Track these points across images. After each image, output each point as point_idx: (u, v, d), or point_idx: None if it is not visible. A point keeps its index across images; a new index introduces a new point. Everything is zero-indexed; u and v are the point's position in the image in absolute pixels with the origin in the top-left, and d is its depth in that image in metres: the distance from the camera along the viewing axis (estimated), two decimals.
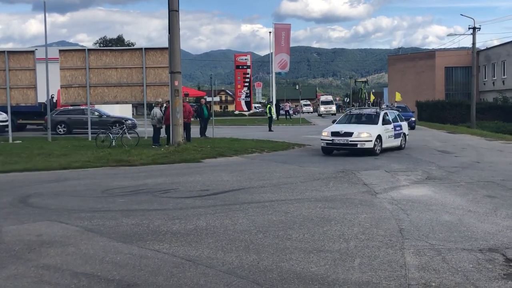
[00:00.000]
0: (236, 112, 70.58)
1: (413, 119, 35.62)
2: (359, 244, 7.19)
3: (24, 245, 7.33)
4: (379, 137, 18.88)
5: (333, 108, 68.06)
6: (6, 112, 26.43)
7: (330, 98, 76.41)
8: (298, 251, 6.86)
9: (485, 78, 59.97)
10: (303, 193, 11.15)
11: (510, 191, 11.19)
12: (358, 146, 18.41)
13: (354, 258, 6.55)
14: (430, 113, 49.53)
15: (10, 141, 24.58)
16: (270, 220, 8.67)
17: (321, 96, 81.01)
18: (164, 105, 23.24)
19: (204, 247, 7.13)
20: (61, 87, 26.18)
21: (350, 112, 22.09)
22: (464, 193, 10.95)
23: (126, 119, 30.86)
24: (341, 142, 18.70)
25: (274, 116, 42.91)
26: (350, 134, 18.62)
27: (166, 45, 21.91)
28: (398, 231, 7.83)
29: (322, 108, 67.64)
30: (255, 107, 75.87)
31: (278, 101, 58.47)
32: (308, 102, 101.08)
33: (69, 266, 6.39)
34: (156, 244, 7.30)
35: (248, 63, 70.30)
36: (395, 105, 31.94)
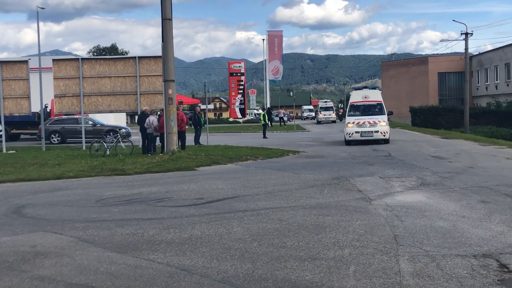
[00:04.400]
0: (231, 119, 70.59)
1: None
2: (354, 251, 7.19)
3: (19, 256, 7.30)
4: None
5: (333, 114, 64.73)
6: None
7: (330, 103, 71.01)
8: (293, 259, 6.86)
9: (478, 83, 60.23)
10: (298, 201, 11.15)
11: (504, 196, 11.22)
12: None
13: (349, 266, 6.56)
14: (423, 119, 49.65)
15: (4, 151, 24.53)
16: (265, 228, 8.66)
17: (320, 102, 77.31)
18: (158, 113, 23.24)
19: (199, 256, 7.12)
20: (54, 97, 26.16)
21: None
22: (458, 199, 10.97)
23: (120, 128, 30.90)
24: None
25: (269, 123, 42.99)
26: None
27: (161, 53, 21.94)
28: (392, 238, 7.84)
29: (321, 115, 65.22)
30: (255, 114, 75.52)
31: (270, 108, 57.32)
32: (311, 107, 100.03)
33: (64, 277, 6.38)
34: (150, 253, 7.29)
35: (242, 70, 70.43)
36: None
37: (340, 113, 69.94)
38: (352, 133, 26.48)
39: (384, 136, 26.29)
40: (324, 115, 64.07)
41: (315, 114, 78.12)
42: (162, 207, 10.79)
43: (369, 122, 26.47)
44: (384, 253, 7.05)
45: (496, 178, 13.80)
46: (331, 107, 67.04)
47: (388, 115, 27.37)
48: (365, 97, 28.47)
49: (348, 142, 26.72)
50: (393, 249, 7.26)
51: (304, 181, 14.15)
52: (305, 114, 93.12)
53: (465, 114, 43.00)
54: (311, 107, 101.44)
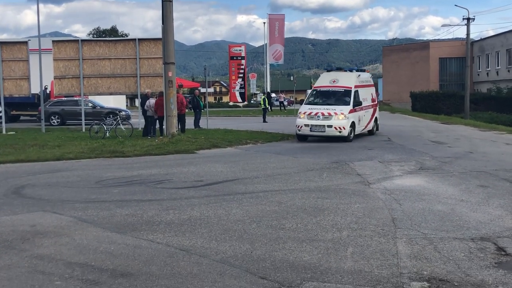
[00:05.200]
0: (231, 103, 70.48)
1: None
2: (352, 233, 7.23)
3: (18, 236, 7.34)
4: None
5: None
6: None
7: None
8: (291, 241, 6.90)
9: (479, 69, 60.06)
10: (297, 184, 11.18)
11: (503, 181, 11.26)
12: None
13: (347, 247, 6.60)
14: (424, 104, 49.64)
15: (4, 132, 24.52)
16: (263, 210, 8.70)
17: None
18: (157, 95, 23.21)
19: (198, 237, 7.15)
20: (54, 78, 26.09)
21: None
22: (456, 183, 11.01)
23: (120, 110, 30.88)
24: None
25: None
26: None
27: (160, 35, 21.86)
28: (390, 221, 7.87)
29: None
30: (253, 100, 74.95)
31: (269, 92, 56.13)
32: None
33: (63, 256, 6.41)
34: (150, 234, 7.32)
35: (243, 54, 70.17)
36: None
37: None
38: (301, 126, 20.65)
39: (340, 132, 19.96)
40: None
41: None
42: (162, 189, 10.82)
43: (323, 114, 20.29)
44: (382, 236, 7.08)
45: (495, 163, 13.84)
46: None
47: (356, 105, 21.09)
48: (334, 81, 22.06)
49: (300, 138, 20.96)
50: (391, 231, 7.29)
51: (303, 164, 14.17)
52: None
53: (466, 100, 42.93)
54: None
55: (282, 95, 65.59)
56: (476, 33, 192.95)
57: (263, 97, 39.45)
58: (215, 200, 9.59)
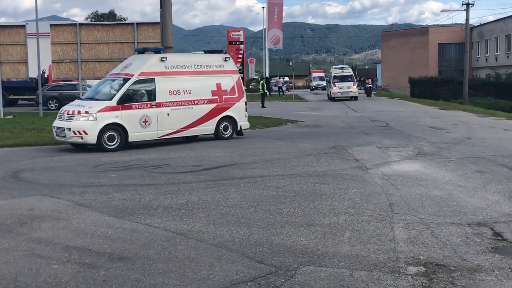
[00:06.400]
0: None
1: None
2: (349, 218, 7.24)
3: (16, 219, 7.35)
4: None
5: (354, 87, 43.47)
6: None
7: (349, 71, 46.70)
8: (288, 225, 6.91)
9: (478, 55, 59.89)
10: (295, 169, 11.18)
11: (500, 166, 11.27)
12: None
13: (344, 232, 6.61)
14: (422, 90, 49.52)
15: (2, 116, 24.47)
16: (261, 195, 8.71)
17: (333, 68, 51.24)
18: None
19: (196, 221, 7.17)
20: (52, 62, 25.94)
21: None
22: (454, 169, 11.02)
23: None
24: None
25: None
26: None
27: (159, 20, 21.74)
28: (388, 206, 7.89)
29: (335, 88, 43.56)
30: (250, 86, 74.80)
31: (268, 78, 54.62)
32: (322, 75, 78.64)
33: (61, 240, 6.42)
34: (147, 218, 7.33)
35: (241, 39, 69.87)
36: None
37: (368, 86, 51.50)
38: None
39: (82, 139, 14.24)
40: (341, 88, 43.15)
41: (327, 85, 57.33)
42: (160, 173, 10.83)
43: (68, 112, 14.75)
44: (379, 220, 7.10)
45: (493, 149, 13.84)
46: (351, 75, 44.83)
47: (133, 100, 15.02)
48: (125, 67, 16.15)
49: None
50: (388, 216, 7.31)
51: (301, 150, 14.17)
52: (314, 84, 74.56)
53: (464, 86, 42.85)
54: (321, 74, 79.84)
55: (281, 80, 65.31)
56: (476, 18, 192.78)
57: (261, 82, 39.27)
58: (213, 184, 9.60)
